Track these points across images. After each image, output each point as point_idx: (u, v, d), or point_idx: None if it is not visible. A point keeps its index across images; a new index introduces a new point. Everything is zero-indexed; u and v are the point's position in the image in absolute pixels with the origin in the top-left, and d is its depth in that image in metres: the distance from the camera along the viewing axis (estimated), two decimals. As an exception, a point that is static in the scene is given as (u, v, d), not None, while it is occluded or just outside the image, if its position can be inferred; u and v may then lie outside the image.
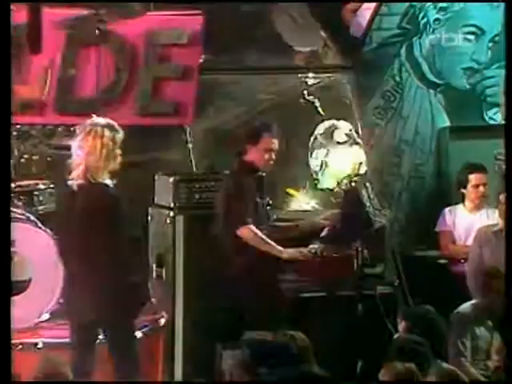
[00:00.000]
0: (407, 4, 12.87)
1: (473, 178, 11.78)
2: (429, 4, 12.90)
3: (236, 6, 12.09)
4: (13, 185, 10.52)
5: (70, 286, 9.43)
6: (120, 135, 9.21)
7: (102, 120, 9.26)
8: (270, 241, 10.06)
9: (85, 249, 9.09)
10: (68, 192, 9.28)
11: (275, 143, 10.30)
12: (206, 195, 11.14)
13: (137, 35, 11.67)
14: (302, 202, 11.70)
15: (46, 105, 11.58)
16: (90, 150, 9.08)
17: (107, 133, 9.16)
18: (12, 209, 10.17)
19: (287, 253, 10.14)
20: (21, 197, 10.70)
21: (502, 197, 10.70)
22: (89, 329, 9.29)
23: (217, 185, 10.87)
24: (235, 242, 10.05)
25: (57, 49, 11.46)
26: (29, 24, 10.63)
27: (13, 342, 9.32)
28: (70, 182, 9.23)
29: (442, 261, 11.75)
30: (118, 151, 9.20)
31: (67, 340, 9.79)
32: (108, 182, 9.14)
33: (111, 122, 9.27)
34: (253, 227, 9.98)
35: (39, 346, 10.02)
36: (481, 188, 11.74)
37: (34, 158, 11.66)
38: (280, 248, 10.11)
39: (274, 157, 10.31)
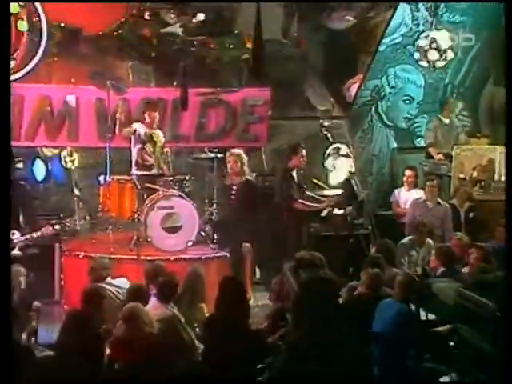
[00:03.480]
0: (375, 84, 12.77)
1: (407, 173, 11.74)
2: (386, 84, 12.82)
3: (287, 86, 11.92)
4: (171, 177, 10.48)
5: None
6: None
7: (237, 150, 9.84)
8: (310, 203, 10.32)
9: None
10: None
11: (305, 154, 10.52)
12: (271, 184, 11.17)
13: (236, 101, 11.61)
14: (321, 186, 11.46)
15: (190, 136, 11.55)
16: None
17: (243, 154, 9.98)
18: (171, 190, 10.24)
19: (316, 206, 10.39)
20: (176, 183, 10.40)
21: (428, 183, 10.97)
22: None
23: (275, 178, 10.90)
24: (287, 208, 10.17)
25: (195, 108, 11.37)
26: (181, 95, 10.77)
27: (173, 257, 9.76)
28: None
29: (393, 217, 11.69)
30: None
31: (202, 256, 9.97)
32: None
33: None
34: (300, 200, 10.19)
35: (186, 259, 9.80)
36: (409, 178, 11.61)
37: (183, 163, 11.46)
38: (315, 205, 10.36)
39: (305, 160, 10.55)
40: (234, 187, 10.32)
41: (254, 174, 10.82)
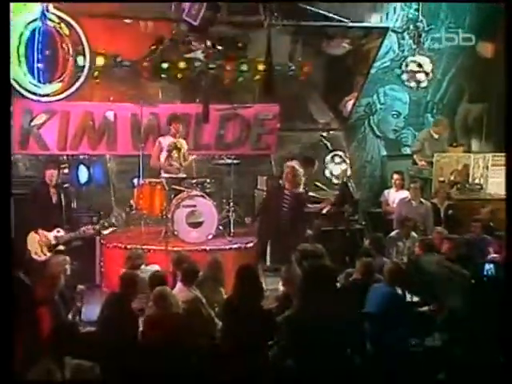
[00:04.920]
0: (368, 101, 12.76)
1: (395, 176, 11.59)
2: (377, 101, 12.84)
3: (293, 102, 11.78)
4: (195, 180, 10.35)
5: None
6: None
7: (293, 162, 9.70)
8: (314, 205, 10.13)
9: None
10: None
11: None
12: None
13: (250, 115, 11.48)
14: (322, 188, 11.43)
15: (210, 144, 11.44)
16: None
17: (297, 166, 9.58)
18: (194, 191, 10.13)
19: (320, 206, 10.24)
20: (198, 185, 10.29)
21: (413, 185, 10.87)
22: None
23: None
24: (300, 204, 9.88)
25: (215, 121, 11.28)
26: (203, 110, 10.89)
27: (196, 248, 9.60)
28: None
29: (383, 214, 11.53)
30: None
31: (221, 247, 9.87)
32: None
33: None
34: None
35: (207, 249, 9.66)
36: (397, 181, 11.46)
37: (204, 168, 11.17)
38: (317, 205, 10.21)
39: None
40: (288, 195, 9.72)
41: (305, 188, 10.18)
